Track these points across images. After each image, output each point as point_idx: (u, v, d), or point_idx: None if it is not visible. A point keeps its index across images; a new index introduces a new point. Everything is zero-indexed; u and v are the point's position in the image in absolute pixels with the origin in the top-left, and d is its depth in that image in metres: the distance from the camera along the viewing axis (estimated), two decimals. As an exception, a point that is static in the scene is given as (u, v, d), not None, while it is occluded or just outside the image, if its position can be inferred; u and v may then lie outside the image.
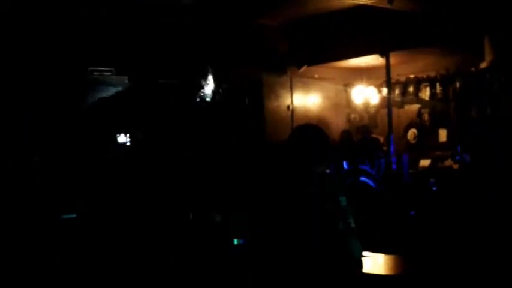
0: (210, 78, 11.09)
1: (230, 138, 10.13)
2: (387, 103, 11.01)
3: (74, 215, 7.14)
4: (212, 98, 10.83)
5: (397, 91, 12.43)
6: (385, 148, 10.96)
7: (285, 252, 3.60)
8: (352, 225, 3.70)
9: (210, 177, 7.97)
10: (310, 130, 3.93)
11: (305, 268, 3.54)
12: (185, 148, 9.33)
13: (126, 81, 9.65)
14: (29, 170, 7.84)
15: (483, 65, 10.01)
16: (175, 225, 5.76)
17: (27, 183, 7.47)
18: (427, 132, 12.19)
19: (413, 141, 12.34)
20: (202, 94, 10.76)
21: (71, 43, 9.00)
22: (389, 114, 10.70)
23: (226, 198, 6.65)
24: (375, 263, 3.87)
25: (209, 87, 11.06)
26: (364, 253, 3.83)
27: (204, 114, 10.74)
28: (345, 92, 13.29)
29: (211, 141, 9.89)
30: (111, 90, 9.44)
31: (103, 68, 9.76)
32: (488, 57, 9.84)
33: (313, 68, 12.20)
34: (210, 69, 10.98)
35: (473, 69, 10.90)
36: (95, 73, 9.35)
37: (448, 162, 11.12)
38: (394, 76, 11.63)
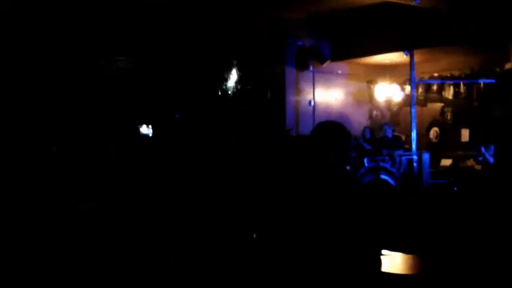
0: (234, 71, 11.13)
1: (250, 132, 10.13)
2: (410, 101, 10.94)
3: (92, 206, 7.17)
4: (234, 91, 10.86)
5: (420, 89, 12.33)
6: (407, 146, 10.92)
7: (307, 248, 3.59)
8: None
9: (226, 172, 7.98)
10: (332, 127, 3.90)
11: (329, 262, 3.53)
12: (204, 140, 9.36)
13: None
14: (47, 160, 7.91)
15: (508, 65, 9.92)
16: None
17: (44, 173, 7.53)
18: (449, 131, 12.09)
19: (435, 140, 12.26)
20: (224, 87, 10.81)
21: (98, 33, 9.06)
22: (413, 112, 10.64)
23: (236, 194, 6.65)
24: (393, 262, 3.85)
25: (232, 80, 11.10)
26: (383, 252, 3.81)
27: (226, 107, 10.77)
28: (367, 88, 13.21)
29: (230, 135, 9.91)
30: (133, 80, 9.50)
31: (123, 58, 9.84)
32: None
33: (337, 64, 12.15)
34: (234, 63, 11.02)
35: (497, 69, 10.79)
36: (119, 62, 9.42)
37: (470, 162, 11.03)
38: (418, 74, 11.53)
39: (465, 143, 11.71)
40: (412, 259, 4.04)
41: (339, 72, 12.55)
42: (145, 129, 9.04)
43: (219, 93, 10.72)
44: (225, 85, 10.89)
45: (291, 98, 11.96)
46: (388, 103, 13.03)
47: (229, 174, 7.80)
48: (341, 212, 3.61)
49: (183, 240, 5.14)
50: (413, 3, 9.29)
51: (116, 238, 5.73)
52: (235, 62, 11.00)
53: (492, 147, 9.41)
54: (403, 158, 10.35)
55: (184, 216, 5.86)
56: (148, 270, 4.73)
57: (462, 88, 11.87)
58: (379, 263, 3.59)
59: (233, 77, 10.98)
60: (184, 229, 5.49)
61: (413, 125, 10.58)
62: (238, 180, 7.34)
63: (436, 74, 12.29)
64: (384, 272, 3.58)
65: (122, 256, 5.24)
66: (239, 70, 11.06)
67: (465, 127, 11.82)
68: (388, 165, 9.46)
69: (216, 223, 5.37)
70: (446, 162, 11.53)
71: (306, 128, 11.40)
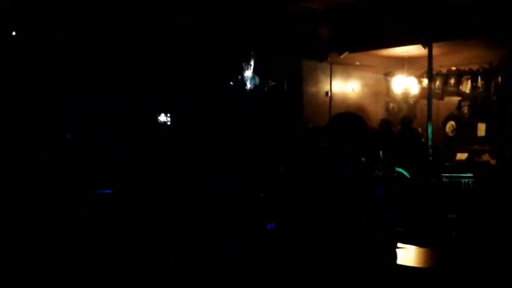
0: (251, 62, 11.14)
1: (268, 122, 10.16)
2: (427, 94, 10.91)
3: (109, 191, 7.22)
4: (252, 82, 10.88)
5: (437, 82, 12.30)
6: (423, 139, 10.91)
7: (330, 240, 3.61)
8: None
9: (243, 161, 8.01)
10: (350, 117, 3.92)
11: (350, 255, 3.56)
12: (223, 129, 9.39)
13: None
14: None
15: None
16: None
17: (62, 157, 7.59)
18: (465, 125, 12.05)
19: (451, 134, 12.23)
20: (241, 77, 10.83)
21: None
22: (429, 106, 10.61)
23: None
24: (408, 255, 3.87)
25: (249, 71, 11.12)
26: (398, 244, 3.83)
27: (244, 98, 10.80)
28: (385, 80, 13.20)
29: (249, 125, 9.94)
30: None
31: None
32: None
33: (355, 55, 12.13)
34: (252, 53, 11.03)
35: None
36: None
37: (486, 157, 11.01)
38: (436, 67, 11.50)
39: (481, 137, 11.67)
40: (427, 252, 4.06)
41: (357, 63, 12.53)
42: (164, 118, 9.07)
43: (235, 84, 10.74)
44: (242, 76, 10.91)
45: (308, 90, 11.97)
46: (405, 96, 13.00)
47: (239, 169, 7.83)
48: (346, 210, 3.63)
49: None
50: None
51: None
52: (252, 53, 11.01)
53: None
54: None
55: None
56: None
57: (480, 82, 11.82)
58: (394, 255, 3.61)
59: (250, 68, 11.00)
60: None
61: (430, 118, 10.54)
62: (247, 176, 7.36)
63: (454, 68, 12.24)
64: (399, 265, 3.60)
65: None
66: (256, 61, 11.07)
67: (482, 121, 11.77)
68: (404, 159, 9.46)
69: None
70: (461, 156, 11.51)
71: (322, 119, 11.41)
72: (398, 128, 11.51)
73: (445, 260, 3.91)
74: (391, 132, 11.29)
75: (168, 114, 9.02)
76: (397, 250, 3.75)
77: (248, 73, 10.90)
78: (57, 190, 7.12)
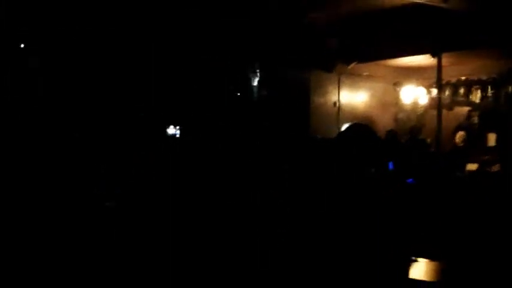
0: (258, 71, 11.12)
1: (275, 132, 10.11)
2: (436, 104, 10.84)
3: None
4: (259, 92, 10.84)
5: (447, 92, 12.20)
6: (432, 150, 10.82)
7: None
8: None
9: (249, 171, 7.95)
10: (362, 130, 3.86)
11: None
12: (229, 140, 9.34)
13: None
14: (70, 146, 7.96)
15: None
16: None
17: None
18: (475, 135, 11.93)
19: (461, 144, 12.12)
20: (250, 88, 10.80)
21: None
22: (439, 116, 10.53)
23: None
24: (419, 268, 3.80)
25: (256, 79, 11.09)
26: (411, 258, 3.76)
27: (250, 108, 10.75)
28: (393, 91, 13.13)
29: (256, 134, 9.89)
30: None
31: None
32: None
33: (363, 65, 12.09)
34: (258, 64, 11.01)
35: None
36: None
37: (496, 168, 10.88)
38: (445, 77, 11.43)
39: (492, 147, 11.56)
40: (437, 266, 3.99)
41: (365, 74, 12.48)
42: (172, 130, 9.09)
43: (244, 96, 10.72)
44: (250, 87, 10.89)
45: (316, 100, 11.93)
46: (414, 106, 12.93)
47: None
48: (360, 219, 3.57)
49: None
50: (442, 4, 9.21)
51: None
52: (259, 64, 10.99)
53: None
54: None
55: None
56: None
57: (489, 92, 11.74)
58: (407, 269, 3.55)
59: (257, 79, 10.97)
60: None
61: (440, 128, 10.47)
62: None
63: (463, 78, 12.15)
64: (410, 279, 3.54)
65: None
66: (264, 72, 11.05)
67: (492, 132, 11.66)
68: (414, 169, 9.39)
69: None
70: (472, 166, 11.39)
71: (331, 130, 11.36)
72: (407, 138, 11.43)
73: (455, 273, 3.85)
74: (397, 143, 11.20)
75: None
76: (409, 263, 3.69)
77: (255, 84, 10.88)
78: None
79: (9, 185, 7.03)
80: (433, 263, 3.97)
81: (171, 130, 9.94)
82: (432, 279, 3.71)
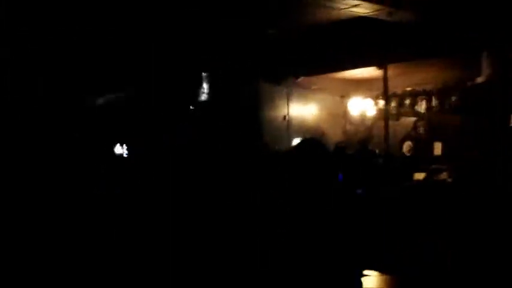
0: (205, 85, 11.12)
1: (227, 146, 10.12)
2: (384, 115, 11.00)
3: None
4: (207, 106, 10.83)
5: (393, 103, 12.39)
6: (380, 160, 10.97)
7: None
8: None
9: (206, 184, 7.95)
10: (313, 144, 3.92)
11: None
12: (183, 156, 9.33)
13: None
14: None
15: (479, 79, 10.04)
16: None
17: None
18: (422, 145, 12.15)
19: (408, 154, 12.32)
20: (196, 101, 10.78)
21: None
22: (386, 127, 10.70)
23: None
24: (372, 282, 3.86)
25: (204, 95, 11.09)
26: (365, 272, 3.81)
27: (199, 122, 10.74)
28: (341, 103, 13.29)
29: (208, 148, 9.88)
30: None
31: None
32: (485, 72, 9.87)
33: (311, 78, 12.20)
34: (205, 76, 11.01)
35: (469, 83, 10.89)
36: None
37: (443, 176, 11.08)
38: (391, 88, 11.62)
39: (438, 156, 11.77)
40: (389, 279, 4.05)
41: (314, 87, 12.60)
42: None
43: (190, 107, 10.70)
44: (196, 99, 10.87)
45: (266, 113, 11.98)
46: (362, 117, 13.10)
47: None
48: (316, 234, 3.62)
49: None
50: (387, 18, 9.36)
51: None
52: (206, 77, 10.99)
53: None
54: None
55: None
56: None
57: (435, 102, 11.95)
58: (359, 283, 3.59)
59: (205, 91, 10.97)
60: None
61: (387, 139, 10.63)
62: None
63: (409, 88, 12.36)
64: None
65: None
66: (211, 84, 11.04)
67: (438, 141, 11.88)
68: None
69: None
70: (419, 175, 11.58)
71: (281, 143, 11.43)
72: (356, 149, 11.54)
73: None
74: (346, 155, 11.30)
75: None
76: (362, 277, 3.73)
77: (203, 96, 10.87)
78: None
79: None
80: (383, 276, 4.03)
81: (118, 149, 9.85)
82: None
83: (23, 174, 7.27)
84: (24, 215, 6.33)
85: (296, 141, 11.46)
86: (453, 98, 11.58)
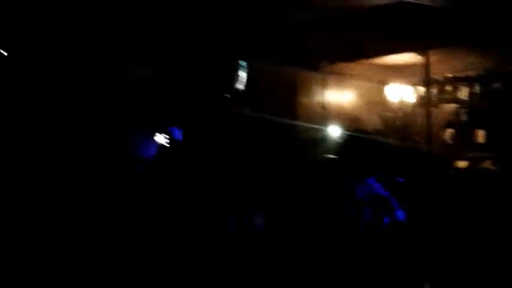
0: (242, 72, 10.93)
1: (262, 136, 9.94)
2: (424, 102, 10.77)
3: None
4: (242, 95, 10.66)
5: (434, 90, 12.15)
6: (422, 148, 10.74)
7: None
8: None
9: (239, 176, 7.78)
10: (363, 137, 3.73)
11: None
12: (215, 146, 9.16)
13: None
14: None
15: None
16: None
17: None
18: (464, 132, 11.89)
19: (450, 142, 12.07)
20: (232, 91, 10.61)
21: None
22: (427, 114, 10.46)
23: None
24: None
25: (241, 81, 10.90)
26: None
27: (234, 112, 10.57)
28: (379, 89, 13.04)
29: (242, 140, 9.70)
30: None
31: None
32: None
33: (348, 64, 11.99)
34: (240, 65, 10.82)
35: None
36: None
37: (486, 164, 10.83)
38: (432, 75, 11.40)
39: (481, 144, 11.52)
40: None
41: (351, 73, 12.37)
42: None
43: (227, 99, 10.53)
44: (233, 89, 10.70)
45: (301, 100, 11.81)
46: (401, 104, 12.86)
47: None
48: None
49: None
50: (428, 3, 9.12)
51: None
52: (244, 64, 10.80)
53: None
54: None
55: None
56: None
57: (477, 88, 11.69)
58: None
59: (242, 79, 10.79)
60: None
61: (429, 126, 10.40)
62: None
63: (450, 75, 12.09)
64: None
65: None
66: (247, 73, 10.86)
67: (481, 128, 11.62)
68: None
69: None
70: (462, 164, 11.33)
71: (318, 132, 11.24)
72: (395, 137, 11.33)
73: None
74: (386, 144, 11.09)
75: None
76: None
77: (240, 85, 10.69)
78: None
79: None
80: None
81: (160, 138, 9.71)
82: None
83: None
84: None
85: (333, 129, 11.26)
86: (496, 84, 11.34)
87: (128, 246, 4.60)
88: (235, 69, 10.64)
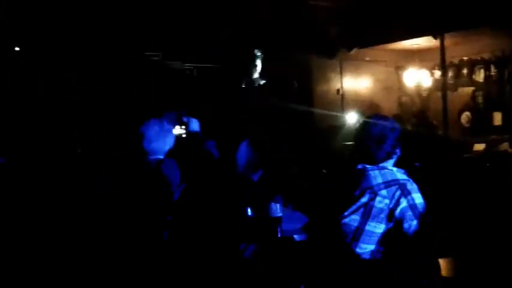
0: (258, 61, 10.99)
1: (278, 123, 10.01)
2: (441, 86, 10.77)
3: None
4: (259, 82, 10.73)
5: (450, 73, 12.12)
6: (439, 132, 10.76)
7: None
8: None
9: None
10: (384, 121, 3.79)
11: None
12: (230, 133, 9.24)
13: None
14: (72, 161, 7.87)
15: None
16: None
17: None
18: (481, 115, 11.88)
19: (466, 125, 12.06)
20: (249, 78, 10.67)
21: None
22: (444, 97, 10.47)
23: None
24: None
25: (257, 70, 10.96)
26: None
27: (252, 99, 10.65)
28: (396, 74, 13.05)
29: (258, 126, 9.79)
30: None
31: (152, 53, 9.78)
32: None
33: (364, 50, 11.99)
34: (258, 52, 10.88)
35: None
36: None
37: (504, 147, 10.82)
38: (448, 58, 11.34)
39: (498, 126, 11.50)
40: (447, 262, 3.93)
41: (367, 59, 12.39)
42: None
43: (244, 86, 10.60)
44: (250, 77, 10.77)
45: (318, 88, 11.85)
46: (418, 89, 12.87)
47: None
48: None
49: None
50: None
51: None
52: (259, 53, 10.86)
53: None
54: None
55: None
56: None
57: (493, 71, 11.66)
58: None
59: (258, 68, 10.85)
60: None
61: (445, 110, 10.42)
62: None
63: (466, 58, 12.07)
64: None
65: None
66: (264, 60, 10.92)
67: (497, 111, 11.60)
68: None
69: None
70: (479, 146, 11.33)
71: (334, 118, 11.30)
72: (413, 122, 11.36)
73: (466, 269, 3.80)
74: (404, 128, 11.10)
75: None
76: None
77: (256, 73, 10.76)
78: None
79: (8, 186, 7.00)
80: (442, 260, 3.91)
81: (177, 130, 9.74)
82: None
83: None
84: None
85: (351, 116, 11.32)
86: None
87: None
88: (252, 59, 10.73)
